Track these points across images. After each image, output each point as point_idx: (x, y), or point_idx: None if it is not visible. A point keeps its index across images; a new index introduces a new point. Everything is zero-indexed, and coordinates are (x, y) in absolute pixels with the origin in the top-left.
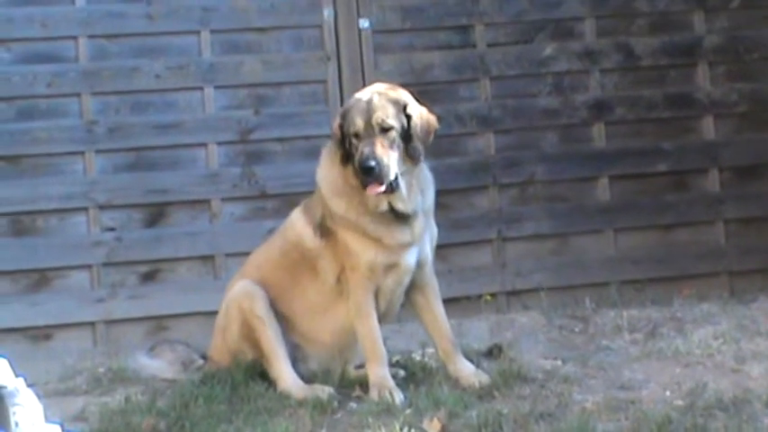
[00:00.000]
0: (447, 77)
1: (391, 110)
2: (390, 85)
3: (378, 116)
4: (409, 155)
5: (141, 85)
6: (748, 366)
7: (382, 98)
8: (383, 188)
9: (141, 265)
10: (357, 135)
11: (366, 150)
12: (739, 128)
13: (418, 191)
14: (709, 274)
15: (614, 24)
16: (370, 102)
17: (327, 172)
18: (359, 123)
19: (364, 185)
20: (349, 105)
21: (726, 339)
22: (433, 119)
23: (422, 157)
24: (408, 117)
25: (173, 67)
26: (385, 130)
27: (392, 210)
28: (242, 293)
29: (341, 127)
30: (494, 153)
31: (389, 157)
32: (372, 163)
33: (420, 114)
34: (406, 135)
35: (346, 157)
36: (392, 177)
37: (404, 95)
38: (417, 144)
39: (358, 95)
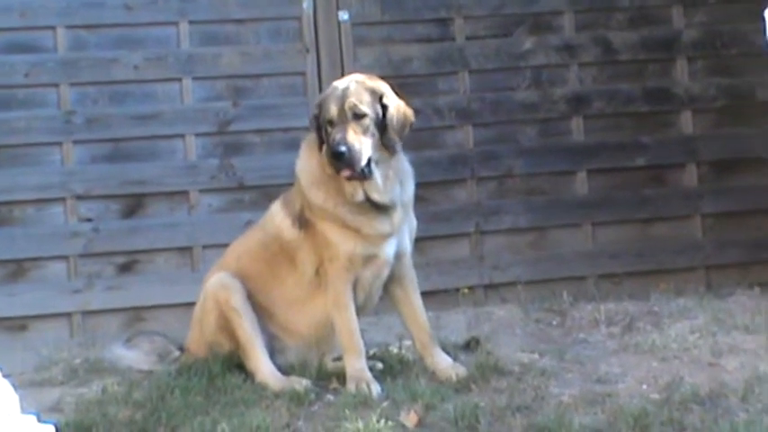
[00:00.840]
0: (426, 70)
1: (366, 97)
2: (370, 76)
3: (350, 102)
4: (384, 145)
5: (119, 76)
6: (724, 360)
7: (358, 86)
8: (354, 172)
9: (118, 256)
10: (331, 122)
11: (337, 136)
12: (717, 123)
13: (396, 182)
14: (686, 268)
15: (593, 18)
16: (345, 89)
17: (306, 163)
18: (333, 110)
19: (336, 171)
20: (326, 94)
21: (702, 333)
22: (409, 112)
23: (397, 148)
24: (384, 107)
25: (151, 58)
26: (358, 116)
27: (369, 200)
28: (218, 285)
29: (317, 116)
30: (472, 146)
31: (361, 143)
32: (342, 148)
33: (397, 106)
34: (382, 125)
35: (322, 145)
36: (363, 163)
37: (381, 85)
38: (392, 135)
39: (336, 83)
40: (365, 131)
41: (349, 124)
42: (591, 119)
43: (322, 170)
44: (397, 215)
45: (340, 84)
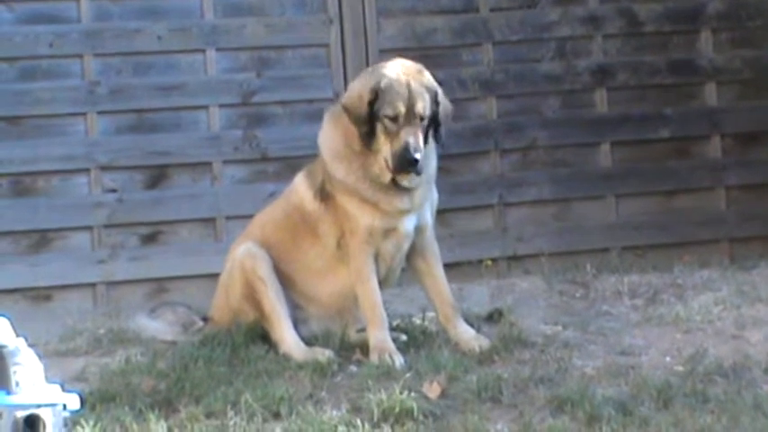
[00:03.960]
0: (450, 42)
1: (428, 98)
2: (413, 64)
3: (420, 106)
4: (435, 140)
5: (143, 47)
6: (748, 333)
7: (420, 85)
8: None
9: (142, 226)
10: (395, 119)
11: (411, 140)
12: (742, 95)
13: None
14: (709, 240)
15: None
16: (409, 88)
17: (329, 135)
18: (400, 108)
19: (399, 173)
20: (381, 84)
21: (726, 306)
22: (450, 105)
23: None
24: (437, 104)
25: (175, 29)
26: (422, 118)
27: (394, 182)
28: (245, 254)
29: (371, 104)
30: (496, 118)
31: (424, 147)
32: (418, 156)
33: (446, 103)
34: (432, 122)
35: (369, 134)
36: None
37: (434, 82)
38: (443, 131)
39: (387, 73)
40: (424, 132)
41: (417, 128)
42: (615, 91)
43: (346, 144)
44: (419, 193)
45: (392, 74)
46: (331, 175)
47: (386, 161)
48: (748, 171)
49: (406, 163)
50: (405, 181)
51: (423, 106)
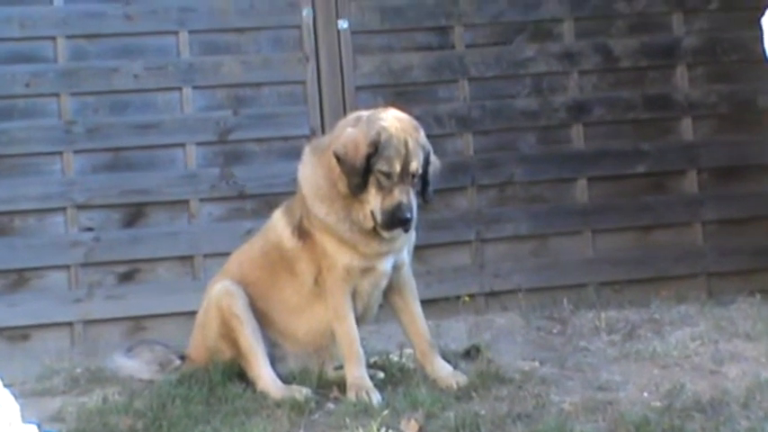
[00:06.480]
0: (426, 78)
1: (422, 157)
2: (409, 119)
3: (414, 165)
4: (424, 198)
5: (120, 86)
6: (726, 368)
7: (416, 144)
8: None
9: (119, 265)
10: (389, 176)
11: (404, 200)
12: (718, 129)
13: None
14: (687, 275)
15: (593, 26)
16: (407, 146)
17: (311, 172)
18: (396, 167)
19: (386, 229)
20: (382, 138)
21: (703, 341)
22: (439, 163)
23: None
24: (428, 164)
25: (151, 67)
26: (414, 176)
27: (375, 228)
28: (222, 292)
29: (368, 157)
30: (472, 154)
31: (415, 204)
32: (409, 215)
33: (436, 161)
34: (423, 179)
35: (360, 186)
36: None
37: (427, 141)
38: (431, 190)
39: (386, 126)
40: (414, 188)
41: (410, 186)
42: (591, 126)
43: (330, 183)
44: (400, 238)
45: (390, 126)
46: (311, 213)
47: (373, 214)
48: (725, 206)
49: (397, 222)
50: (386, 233)
51: (417, 166)
